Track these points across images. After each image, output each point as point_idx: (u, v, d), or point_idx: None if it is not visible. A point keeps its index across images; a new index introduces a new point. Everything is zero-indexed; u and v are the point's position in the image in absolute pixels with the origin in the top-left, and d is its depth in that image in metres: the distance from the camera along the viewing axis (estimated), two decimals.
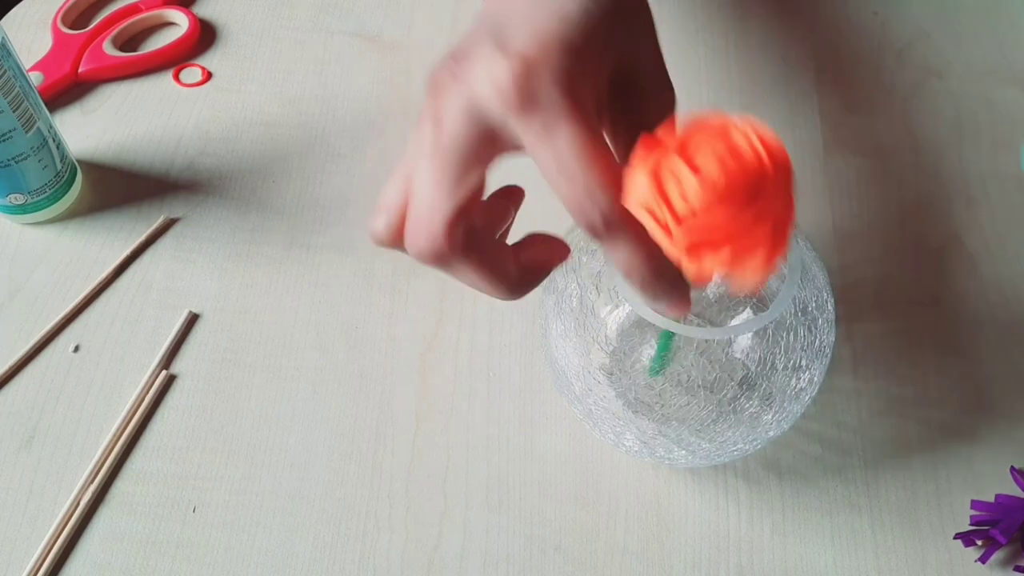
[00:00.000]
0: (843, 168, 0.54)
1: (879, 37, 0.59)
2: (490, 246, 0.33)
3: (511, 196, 0.36)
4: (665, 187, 0.29)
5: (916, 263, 0.50)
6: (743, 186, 0.29)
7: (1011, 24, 0.59)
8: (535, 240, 0.34)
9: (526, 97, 0.30)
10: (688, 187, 0.29)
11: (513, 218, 0.36)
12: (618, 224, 0.30)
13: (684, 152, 0.29)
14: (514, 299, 0.34)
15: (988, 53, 0.58)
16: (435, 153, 0.31)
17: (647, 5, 0.35)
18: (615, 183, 0.30)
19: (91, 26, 0.59)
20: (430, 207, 0.31)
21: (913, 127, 0.56)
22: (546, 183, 0.30)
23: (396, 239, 0.33)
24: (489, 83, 0.30)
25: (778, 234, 0.30)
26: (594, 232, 0.31)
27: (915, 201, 0.53)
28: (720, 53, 0.59)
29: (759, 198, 0.29)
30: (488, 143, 0.31)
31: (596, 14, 0.32)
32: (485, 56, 0.30)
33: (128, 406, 0.46)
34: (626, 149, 0.34)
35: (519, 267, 0.34)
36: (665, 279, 0.31)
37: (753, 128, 0.29)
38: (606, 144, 0.31)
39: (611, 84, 0.33)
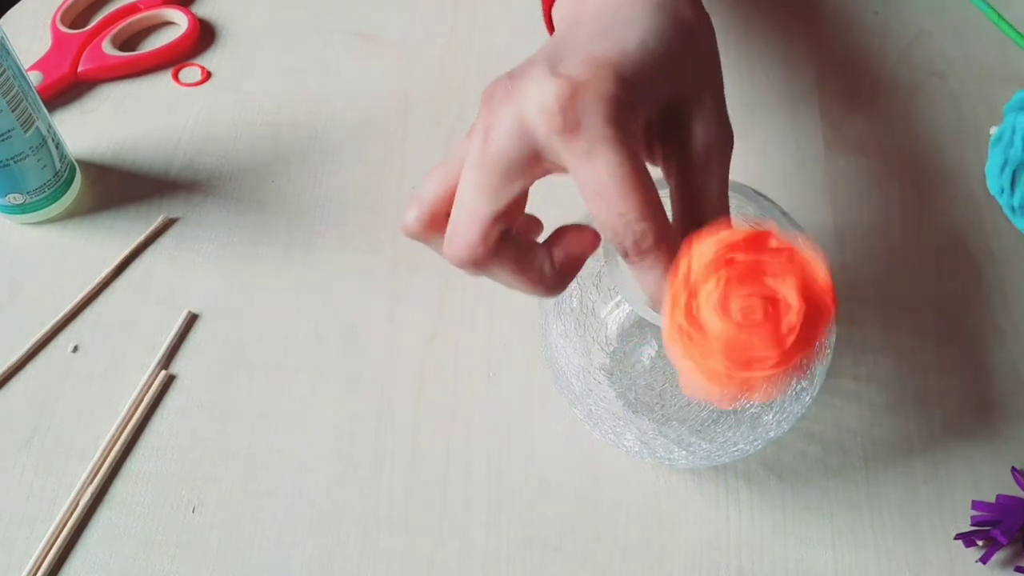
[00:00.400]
0: (844, 168, 0.53)
1: (880, 37, 0.59)
2: (524, 248, 0.34)
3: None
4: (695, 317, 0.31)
5: (917, 263, 0.50)
6: (772, 340, 0.30)
7: (1012, 24, 0.59)
8: (565, 233, 0.35)
9: (570, 119, 0.31)
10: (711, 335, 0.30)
11: (542, 228, 0.37)
12: (649, 251, 0.31)
13: (722, 286, 0.30)
14: (553, 295, 0.35)
15: (989, 53, 0.58)
16: (481, 164, 0.32)
17: (714, 49, 0.36)
18: (650, 210, 0.31)
19: (90, 26, 0.59)
20: (470, 212, 0.32)
21: (914, 127, 0.56)
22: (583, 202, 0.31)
23: (425, 232, 0.34)
24: (537, 103, 0.31)
25: (795, 364, 0.31)
26: (626, 255, 0.32)
27: (916, 201, 0.53)
28: (721, 52, 0.59)
29: (785, 345, 0.30)
30: (532, 161, 0.32)
31: (656, 51, 0.33)
32: (537, 77, 0.32)
33: (127, 406, 0.46)
34: (673, 179, 0.35)
35: (553, 264, 0.34)
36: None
37: (806, 271, 0.30)
38: (646, 172, 0.32)
39: (665, 114, 0.34)
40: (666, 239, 0.32)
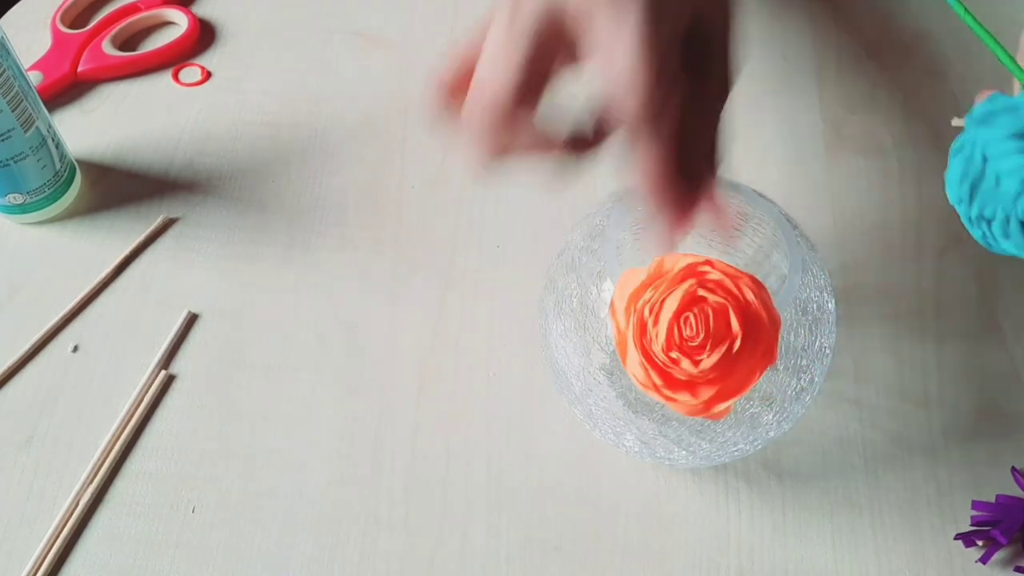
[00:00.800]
0: (844, 168, 0.53)
1: (881, 36, 0.59)
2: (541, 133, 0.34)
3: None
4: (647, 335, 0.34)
5: (917, 263, 0.50)
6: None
7: (1012, 23, 0.59)
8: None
9: (606, 2, 0.31)
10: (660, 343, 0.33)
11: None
12: (651, 120, 0.32)
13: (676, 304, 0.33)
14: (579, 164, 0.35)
15: (989, 53, 0.58)
16: (510, 28, 0.33)
17: None
18: (663, 76, 0.31)
19: (90, 26, 0.59)
20: (502, 62, 0.33)
21: (914, 127, 0.56)
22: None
23: (456, 88, 0.35)
24: None
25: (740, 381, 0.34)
26: (627, 120, 0.32)
27: (916, 201, 0.53)
28: None
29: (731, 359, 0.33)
30: (557, 37, 0.33)
31: None
32: None
33: (127, 406, 0.46)
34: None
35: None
36: (673, 190, 0.33)
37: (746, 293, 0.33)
38: (665, 62, 0.32)
39: (686, 37, 0.34)
40: (663, 123, 0.32)
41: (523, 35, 0.33)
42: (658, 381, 0.34)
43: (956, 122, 0.40)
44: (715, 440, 0.40)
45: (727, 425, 0.40)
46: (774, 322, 0.34)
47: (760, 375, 0.34)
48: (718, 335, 0.33)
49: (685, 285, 0.33)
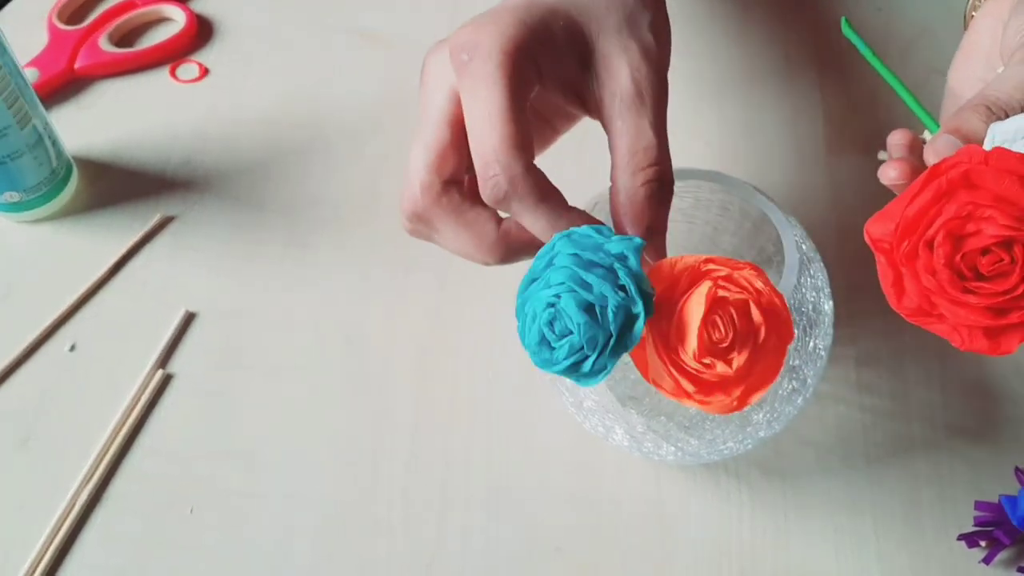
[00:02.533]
0: (846, 167, 0.53)
1: (882, 34, 0.59)
2: (468, 204, 0.35)
3: None
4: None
5: None
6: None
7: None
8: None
9: (466, 58, 0.32)
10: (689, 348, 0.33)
11: None
12: (506, 198, 0.32)
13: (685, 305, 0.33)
14: (494, 263, 0.37)
15: None
16: (418, 118, 0.35)
17: (665, 26, 0.36)
18: (516, 150, 0.32)
19: (87, 22, 0.59)
20: (411, 166, 0.35)
21: (916, 126, 0.56)
22: None
23: (434, 201, 0.36)
24: (450, 46, 0.33)
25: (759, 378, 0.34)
26: (488, 199, 0.33)
27: None
28: (722, 51, 0.59)
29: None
30: (455, 106, 0.34)
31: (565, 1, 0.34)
32: (459, 29, 0.34)
33: (124, 406, 0.46)
34: (605, 125, 0.35)
35: (498, 229, 0.36)
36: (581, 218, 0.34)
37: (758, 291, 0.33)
38: (521, 115, 0.32)
39: (582, 61, 0.35)
40: (525, 185, 0.32)
41: (426, 118, 0.35)
42: (690, 388, 0.33)
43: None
44: (703, 437, 0.40)
45: (716, 423, 0.40)
46: (783, 301, 0.34)
47: (785, 355, 0.34)
48: (744, 331, 0.33)
49: (704, 288, 0.33)
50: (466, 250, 0.36)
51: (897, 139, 0.40)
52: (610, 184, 0.35)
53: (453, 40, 0.33)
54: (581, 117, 0.38)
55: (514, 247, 0.36)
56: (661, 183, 0.34)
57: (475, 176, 0.33)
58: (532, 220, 0.33)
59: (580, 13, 0.34)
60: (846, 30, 0.40)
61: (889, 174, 0.38)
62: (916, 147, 0.40)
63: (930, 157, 0.35)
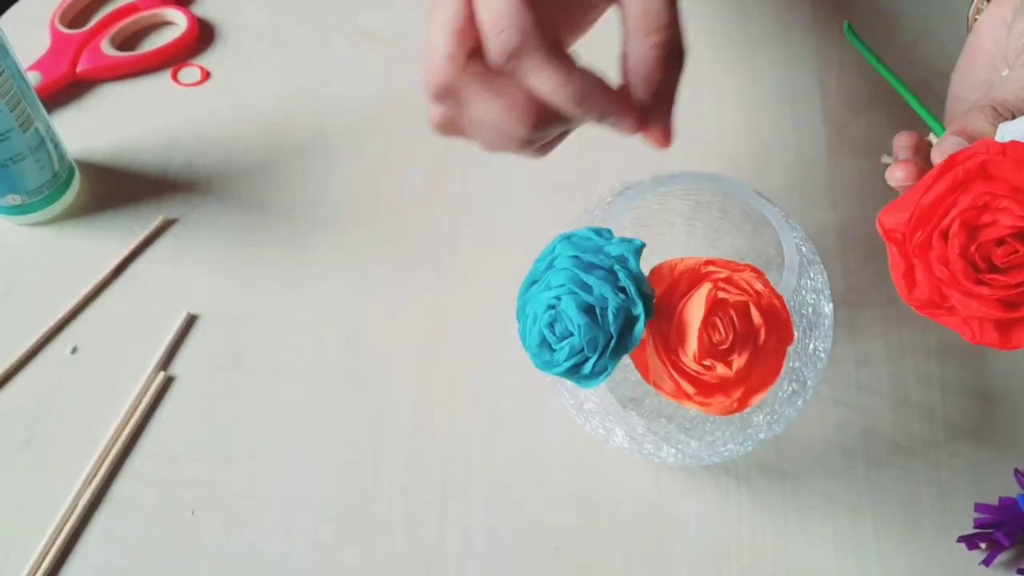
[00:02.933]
0: (847, 169, 0.53)
1: (883, 36, 0.59)
2: (495, 73, 0.33)
3: None
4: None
5: None
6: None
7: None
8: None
9: None
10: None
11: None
12: (515, 55, 0.31)
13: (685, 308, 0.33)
14: (535, 150, 0.35)
15: None
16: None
17: None
18: (524, 10, 0.31)
19: (89, 25, 0.59)
20: (433, 39, 0.33)
21: (916, 127, 0.55)
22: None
23: (451, 77, 0.34)
24: None
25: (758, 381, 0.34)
26: (498, 55, 0.32)
27: None
28: (723, 53, 0.59)
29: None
30: None
31: None
32: None
33: (126, 408, 0.46)
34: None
35: (528, 93, 0.33)
36: (609, 94, 0.33)
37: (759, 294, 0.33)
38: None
39: None
40: (535, 38, 0.31)
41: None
42: (690, 390, 0.33)
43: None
44: (704, 439, 0.40)
45: (716, 424, 0.40)
46: (783, 303, 0.34)
47: (785, 357, 0.34)
48: (744, 333, 0.33)
49: (704, 290, 0.33)
50: (498, 118, 0.34)
51: (903, 141, 0.40)
52: (621, 51, 0.34)
53: None
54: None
55: (543, 112, 0.34)
56: (672, 46, 0.33)
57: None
58: (543, 77, 0.32)
59: None
60: (848, 35, 0.40)
61: (896, 175, 0.38)
62: (922, 149, 0.39)
63: (937, 158, 0.35)
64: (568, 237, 0.35)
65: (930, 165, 0.38)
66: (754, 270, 0.34)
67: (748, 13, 0.60)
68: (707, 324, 0.33)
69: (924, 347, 0.47)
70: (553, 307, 0.33)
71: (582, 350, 0.33)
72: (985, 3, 0.42)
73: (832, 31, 0.59)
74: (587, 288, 0.33)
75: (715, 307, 0.33)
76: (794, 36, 0.59)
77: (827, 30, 0.60)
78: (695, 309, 0.33)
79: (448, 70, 0.34)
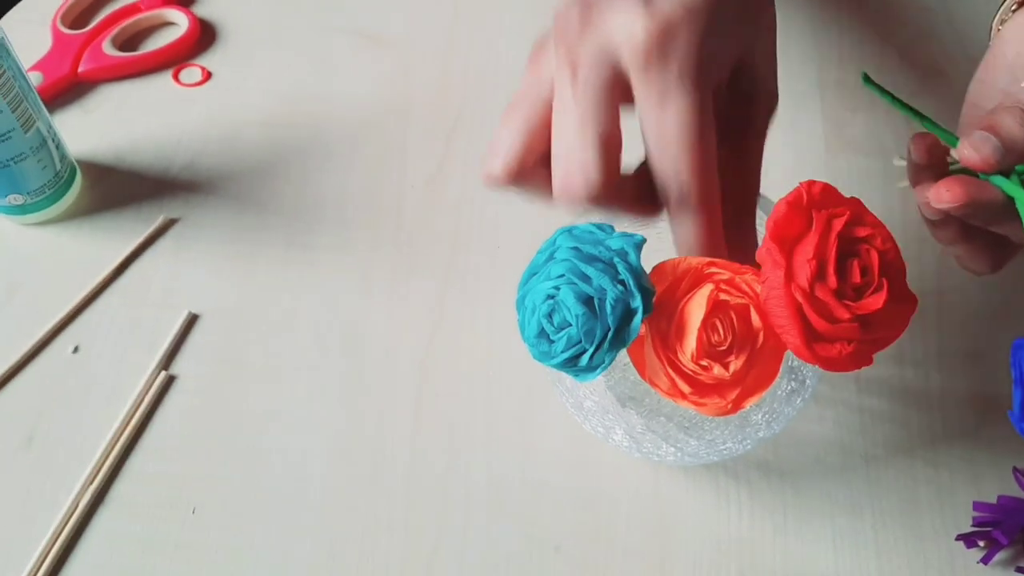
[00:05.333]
0: (845, 168, 0.53)
1: (882, 35, 0.59)
2: (625, 182, 0.34)
3: None
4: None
5: (919, 263, 0.50)
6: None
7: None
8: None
9: (658, 56, 0.30)
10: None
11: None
12: (688, 207, 0.32)
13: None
14: (654, 217, 0.35)
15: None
16: (578, 100, 0.32)
17: (772, 5, 0.35)
18: (705, 170, 0.31)
19: (90, 26, 0.59)
20: (581, 149, 0.32)
21: (916, 126, 0.55)
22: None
23: (515, 180, 0.34)
24: (626, 33, 0.31)
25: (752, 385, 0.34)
26: (667, 203, 0.33)
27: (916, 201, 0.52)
28: None
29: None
30: (619, 87, 0.32)
31: (736, 4, 0.33)
32: (626, 6, 0.31)
33: (127, 407, 0.46)
34: (722, 141, 0.34)
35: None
36: (720, 252, 0.34)
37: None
38: (711, 130, 0.32)
39: (733, 75, 0.34)
40: (708, 202, 0.32)
41: (592, 102, 0.32)
42: (686, 389, 0.34)
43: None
44: (703, 438, 0.40)
45: (715, 423, 0.40)
46: None
47: (782, 361, 0.34)
48: (743, 335, 0.33)
49: (705, 291, 0.33)
50: (630, 215, 0.35)
51: (923, 145, 0.37)
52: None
53: (631, 24, 0.30)
54: None
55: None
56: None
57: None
58: (688, 228, 0.33)
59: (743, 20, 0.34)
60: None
61: (943, 196, 0.34)
62: (938, 153, 0.38)
63: (964, 150, 0.34)
64: (569, 230, 0.35)
65: (945, 170, 0.37)
66: (756, 272, 0.34)
67: None
68: (707, 325, 0.33)
69: (923, 346, 0.47)
70: (552, 297, 0.33)
71: (579, 341, 0.33)
72: (1011, 13, 0.42)
73: (832, 31, 0.60)
74: (586, 279, 0.33)
75: (716, 308, 0.33)
76: (794, 36, 0.59)
77: (827, 30, 0.60)
78: (696, 309, 0.33)
79: (598, 183, 0.33)
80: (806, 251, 0.32)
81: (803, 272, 0.32)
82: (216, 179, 0.54)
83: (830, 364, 0.33)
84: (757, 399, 0.34)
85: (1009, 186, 0.34)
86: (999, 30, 0.42)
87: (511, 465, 0.44)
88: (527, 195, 0.35)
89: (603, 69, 0.31)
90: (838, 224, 0.32)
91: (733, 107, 0.35)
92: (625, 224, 0.37)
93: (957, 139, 0.37)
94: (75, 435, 0.45)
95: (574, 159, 0.32)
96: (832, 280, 0.32)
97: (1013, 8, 0.41)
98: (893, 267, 0.33)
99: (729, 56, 0.33)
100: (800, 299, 0.32)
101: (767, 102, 0.36)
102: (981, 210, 0.34)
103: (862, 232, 0.33)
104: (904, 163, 0.39)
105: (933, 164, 0.37)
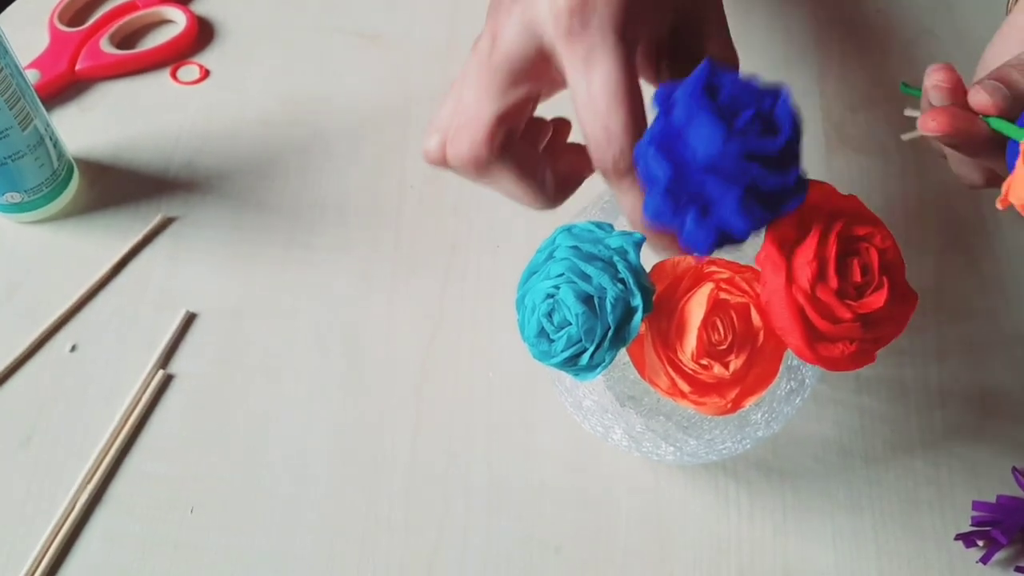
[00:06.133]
0: (845, 166, 0.53)
1: (882, 35, 0.59)
2: (528, 153, 0.34)
3: (553, 124, 0.37)
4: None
5: (919, 263, 0.50)
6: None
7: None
8: (568, 149, 0.35)
9: (577, 24, 0.31)
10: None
11: (548, 135, 0.37)
12: (628, 171, 0.32)
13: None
14: (551, 207, 0.35)
15: None
16: (486, 64, 0.32)
17: None
18: (635, 130, 0.31)
19: (88, 23, 0.59)
20: (475, 114, 0.32)
21: (916, 125, 0.56)
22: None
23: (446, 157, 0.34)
24: (548, 4, 0.31)
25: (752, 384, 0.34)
26: (605, 171, 0.32)
27: (917, 200, 0.52)
28: None
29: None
30: (540, 65, 0.32)
31: None
32: None
33: (125, 406, 0.46)
34: None
35: (555, 175, 0.35)
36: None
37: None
38: (638, 90, 0.32)
39: (672, 33, 0.35)
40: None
41: (500, 70, 0.32)
42: (686, 388, 0.34)
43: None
44: (702, 437, 0.40)
45: (715, 423, 0.40)
46: None
47: (781, 361, 0.34)
48: (743, 335, 0.33)
49: (706, 290, 0.33)
50: (524, 197, 0.35)
51: (937, 79, 0.36)
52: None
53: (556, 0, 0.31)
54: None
55: (564, 189, 0.35)
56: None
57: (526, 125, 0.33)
58: (634, 197, 0.32)
59: None
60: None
61: (929, 124, 0.35)
62: (960, 91, 0.36)
63: (975, 95, 0.34)
64: (568, 229, 0.35)
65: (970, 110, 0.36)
66: (756, 273, 0.34)
67: (749, 10, 0.60)
68: (707, 324, 0.33)
69: (923, 344, 0.47)
70: (552, 296, 0.33)
71: (579, 340, 0.33)
72: None
73: (832, 31, 0.60)
74: (586, 277, 0.33)
75: (716, 307, 0.33)
76: (794, 35, 0.59)
77: (827, 29, 0.60)
78: (696, 308, 0.33)
79: (485, 152, 0.33)
80: (806, 253, 0.32)
81: (804, 274, 0.32)
82: (214, 178, 0.53)
83: (833, 364, 0.33)
84: (756, 399, 0.34)
85: (998, 122, 0.34)
86: (1017, 2, 0.42)
87: (511, 465, 0.44)
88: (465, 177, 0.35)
89: (523, 42, 0.32)
90: (837, 224, 0.32)
91: (683, 73, 0.34)
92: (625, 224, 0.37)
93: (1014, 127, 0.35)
94: (73, 434, 0.45)
95: (467, 123, 0.32)
96: (833, 280, 0.32)
97: None
98: (893, 265, 0.33)
99: (659, 17, 0.34)
100: (802, 301, 0.32)
101: (723, 58, 0.36)
102: (966, 141, 0.34)
103: (861, 231, 0.33)
104: (916, 113, 0.39)
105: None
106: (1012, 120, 0.35)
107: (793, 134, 0.30)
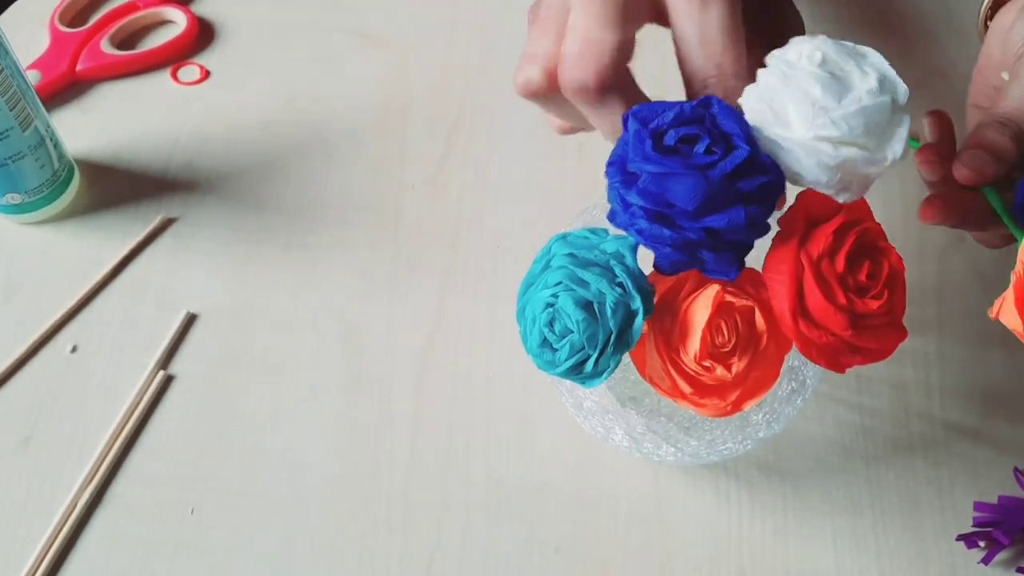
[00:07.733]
0: None
1: (882, 34, 0.59)
2: (636, 87, 0.34)
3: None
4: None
5: (919, 262, 0.50)
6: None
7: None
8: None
9: None
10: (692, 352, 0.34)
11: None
12: (734, 100, 0.32)
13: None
14: None
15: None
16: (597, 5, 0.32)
17: None
18: (744, 69, 0.32)
19: (88, 24, 0.59)
20: (597, 39, 0.32)
21: (916, 125, 0.55)
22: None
23: (551, 85, 0.34)
24: None
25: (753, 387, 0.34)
26: (713, 89, 0.33)
27: (918, 200, 0.52)
28: None
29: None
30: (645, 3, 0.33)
31: None
32: None
33: (126, 407, 0.46)
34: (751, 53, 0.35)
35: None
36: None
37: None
38: (743, 29, 0.33)
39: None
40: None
41: (615, 5, 0.32)
42: (687, 389, 0.34)
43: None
44: (703, 438, 0.40)
45: (716, 423, 0.40)
46: None
47: (782, 365, 0.34)
48: (747, 337, 0.33)
49: (711, 292, 0.33)
50: (582, 124, 0.35)
51: (922, 157, 0.39)
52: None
53: None
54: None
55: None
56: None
57: None
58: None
59: None
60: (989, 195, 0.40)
61: (925, 215, 0.37)
62: (948, 134, 0.39)
63: (959, 171, 0.36)
64: (563, 237, 0.35)
65: (953, 150, 0.38)
66: (758, 275, 0.34)
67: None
68: (711, 326, 0.33)
69: (924, 345, 0.47)
70: (551, 305, 0.33)
71: (583, 347, 0.33)
72: (988, 11, 0.43)
73: (832, 31, 0.59)
74: (584, 284, 0.33)
75: (721, 309, 0.33)
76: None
77: (827, 29, 0.59)
78: (701, 310, 0.33)
79: (609, 71, 0.33)
80: (827, 229, 0.32)
81: (818, 242, 0.32)
82: (215, 178, 0.54)
83: (805, 345, 0.33)
84: (757, 401, 0.34)
85: (990, 194, 0.36)
86: (988, 27, 0.43)
87: (511, 465, 0.44)
88: (554, 109, 0.35)
89: None
90: (864, 224, 0.33)
91: (763, 35, 0.36)
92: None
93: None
94: (73, 435, 0.45)
95: (587, 48, 0.32)
96: (841, 263, 0.32)
97: (989, 6, 0.42)
98: (897, 289, 0.34)
99: None
100: (805, 264, 0.32)
101: (793, 20, 0.39)
102: (965, 221, 0.37)
103: (882, 244, 0.34)
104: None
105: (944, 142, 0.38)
106: (1006, 177, 0.36)
107: (746, 135, 0.31)
